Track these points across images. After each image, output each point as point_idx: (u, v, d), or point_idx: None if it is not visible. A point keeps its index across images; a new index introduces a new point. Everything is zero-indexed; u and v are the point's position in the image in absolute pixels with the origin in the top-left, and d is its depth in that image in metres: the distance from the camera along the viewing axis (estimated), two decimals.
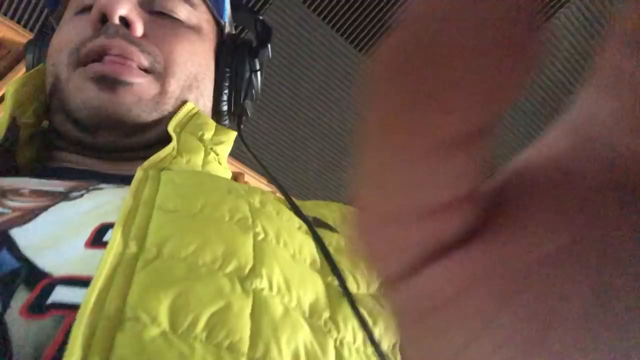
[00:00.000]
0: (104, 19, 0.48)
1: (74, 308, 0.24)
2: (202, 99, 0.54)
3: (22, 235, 0.29)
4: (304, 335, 0.28)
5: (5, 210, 0.32)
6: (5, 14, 1.71)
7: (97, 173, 0.47)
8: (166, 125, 0.48)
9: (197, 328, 0.25)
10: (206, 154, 0.50)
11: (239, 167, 1.85)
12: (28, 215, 0.31)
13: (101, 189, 0.37)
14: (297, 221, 0.38)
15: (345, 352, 0.30)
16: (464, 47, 0.08)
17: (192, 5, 0.55)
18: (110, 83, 0.46)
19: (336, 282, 0.34)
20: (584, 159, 0.10)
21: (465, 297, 0.10)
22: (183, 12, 0.53)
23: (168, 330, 0.24)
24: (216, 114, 0.57)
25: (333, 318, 0.31)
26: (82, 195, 0.35)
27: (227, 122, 0.59)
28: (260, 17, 0.62)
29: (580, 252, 0.10)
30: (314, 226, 0.38)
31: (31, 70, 0.52)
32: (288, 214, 0.38)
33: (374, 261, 0.11)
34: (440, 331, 0.11)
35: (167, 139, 0.47)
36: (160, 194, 0.33)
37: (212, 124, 0.53)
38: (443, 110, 0.09)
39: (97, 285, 0.25)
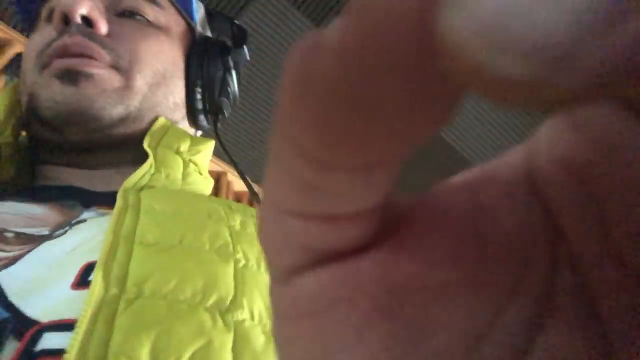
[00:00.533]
0: (67, 19, 0.48)
1: (62, 353, 0.25)
2: (171, 97, 0.54)
3: (6, 280, 0.29)
4: None
5: None
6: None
7: (79, 190, 0.46)
8: (141, 141, 0.48)
9: None
10: (185, 166, 0.51)
11: (222, 166, 1.82)
12: (9, 261, 0.32)
13: (84, 221, 0.37)
14: None
15: None
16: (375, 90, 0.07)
17: (159, 6, 0.55)
18: (73, 76, 0.46)
19: None
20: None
21: (347, 305, 0.10)
22: (150, 13, 0.53)
23: None
24: (191, 113, 0.57)
25: None
26: (65, 232, 0.35)
27: (204, 122, 0.59)
28: (236, 22, 0.63)
29: (453, 294, 0.10)
30: None
31: (5, 88, 0.52)
32: None
33: (268, 251, 0.11)
34: (315, 335, 0.11)
35: (145, 157, 0.47)
36: (140, 225, 0.33)
37: (187, 135, 0.52)
38: (357, 139, 0.08)
39: (79, 332, 0.25)
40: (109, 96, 0.47)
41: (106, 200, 0.42)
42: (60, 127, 0.47)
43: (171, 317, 0.27)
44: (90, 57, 0.47)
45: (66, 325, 0.26)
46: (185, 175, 0.50)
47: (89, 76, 0.46)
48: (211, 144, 0.56)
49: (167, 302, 0.28)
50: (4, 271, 0.30)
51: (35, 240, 0.34)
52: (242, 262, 0.33)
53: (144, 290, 0.28)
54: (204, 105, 0.56)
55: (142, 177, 0.43)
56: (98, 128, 0.47)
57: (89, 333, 0.25)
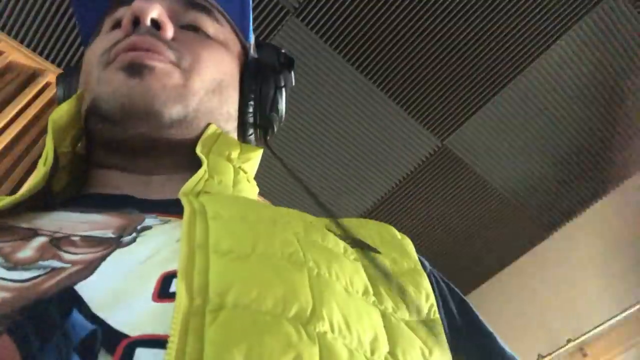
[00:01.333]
0: (137, 22, 0.49)
1: None
2: (225, 106, 0.54)
3: (87, 291, 0.28)
4: None
5: (66, 265, 0.32)
6: (15, 38, 1.72)
7: (133, 199, 0.46)
8: (192, 147, 0.49)
9: None
10: (235, 174, 0.51)
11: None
12: (88, 268, 0.31)
13: (150, 227, 0.37)
14: (342, 245, 0.38)
15: None
16: None
17: (219, 23, 0.57)
18: (137, 68, 0.46)
19: (390, 310, 0.34)
20: None
21: None
22: (210, 28, 0.55)
23: None
24: (241, 126, 0.58)
25: (392, 353, 0.31)
26: (135, 240, 0.35)
27: (252, 136, 0.60)
28: (283, 51, 0.64)
29: None
30: (359, 247, 0.38)
31: (68, 99, 0.51)
32: (332, 239, 0.38)
33: None
34: None
35: (194, 163, 0.48)
36: (212, 233, 0.32)
37: (237, 143, 0.53)
38: None
39: (172, 348, 0.24)
40: (169, 93, 0.47)
41: (163, 207, 0.41)
42: (121, 121, 0.47)
43: (258, 329, 0.26)
44: (155, 52, 0.48)
45: (157, 342, 0.25)
46: (235, 182, 0.50)
47: (152, 69, 0.47)
48: (259, 152, 0.57)
49: (251, 313, 0.27)
50: (84, 282, 0.29)
51: (104, 243, 0.34)
52: (315, 270, 0.32)
53: (227, 301, 0.27)
54: (255, 120, 0.57)
55: (197, 182, 0.43)
56: (158, 126, 0.47)
57: (182, 350, 0.24)
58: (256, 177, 0.59)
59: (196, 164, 0.47)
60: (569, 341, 2.23)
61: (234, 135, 0.57)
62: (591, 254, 2.39)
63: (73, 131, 0.50)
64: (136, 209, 0.41)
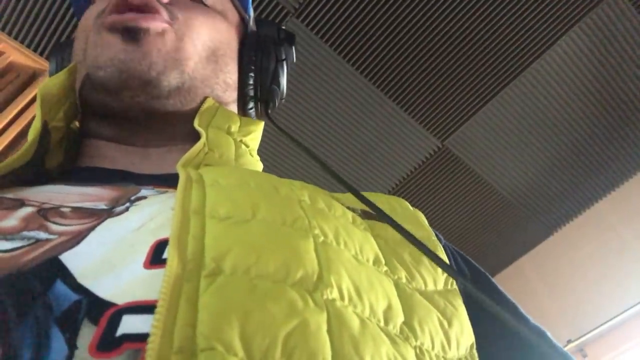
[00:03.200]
0: None
1: (144, 339, 0.22)
2: (222, 75, 0.53)
3: (73, 261, 0.27)
4: (386, 348, 0.26)
5: (52, 237, 0.29)
6: (15, 38, 1.72)
7: (130, 174, 0.45)
8: (191, 120, 0.47)
9: (275, 354, 0.22)
10: (237, 147, 0.49)
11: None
12: (76, 238, 0.29)
13: (145, 197, 0.35)
14: (350, 215, 0.36)
15: None
16: None
17: None
18: (133, 33, 0.45)
19: (404, 280, 0.32)
20: None
21: None
22: None
23: (245, 358, 0.22)
24: (241, 99, 0.56)
25: (408, 324, 0.29)
26: (127, 209, 0.33)
27: (252, 110, 0.58)
28: (282, 27, 0.63)
29: None
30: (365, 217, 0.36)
31: (60, 72, 0.49)
32: (340, 208, 0.37)
33: None
34: None
35: (193, 136, 0.47)
36: (209, 199, 0.30)
37: (237, 116, 0.52)
38: None
39: (162, 313, 0.22)
40: (165, 58, 0.46)
41: (162, 180, 0.40)
42: (118, 90, 0.45)
43: (258, 295, 0.24)
44: (149, 12, 0.46)
45: (147, 307, 0.24)
46: (237, 156, 0.49)
47: (147, 31, 0.45)
48: (261, 125, 0.55)
49: (250, 278, 0.25)
50: (69, 252, 0.27)
51: (95, 214, 0.32)
52: (321, 237, 0.31)
53: (224, 266, 0.25)
54: (256, 92, 0.56)
55: (197, 155, 0.42)
56: (155, 95, 0.46)
57: (172, 314, 0.22)
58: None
59: (195, 138, 0.46)
60: (569, 342, 2.23)
61: (234, 108, 0.55)
62: (592, 255, 2.39)
63: (65, 105, 0.48)
64: (132, 181, 0.39)
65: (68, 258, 0.27)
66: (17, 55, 1.66)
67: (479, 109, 1.99)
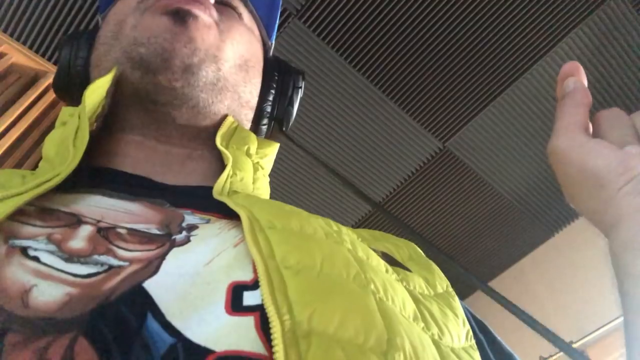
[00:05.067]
0: None
1: None
2: (249, 87, 0.53)
3: (157, 291, 0.27)
4: None
5: (123, 264, 0.30)
6: (17, 39, 1.72)
7: (154, 183, 0.44)
8: (211, 128, 0.48)
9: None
10: (255, 170, 0.50)
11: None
12: (149, 267, 0.29)
13: (196, 227, 0.35)
14: (383, 264, 0.36)
15: None
16: None
17: (250, 13, 0.57)
18: (183, 16, 0.45)
19: (437, 336, 0.33)
20: None
21: None
22: (244, 13, 0.55)
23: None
24: (256, 116, 0.56)
25: None
26: (189, 239, 0.33)
27: (264, 126, 0.58)
28: (293, 66, 0.64)
29: None
30: (389, 263, 0.37)
31: (104, 76, 0.47)
32: (374, 256, 0.36)
33: None
34: None
35: (209, 143, 0.48)
36: (276, 248, 0.30)
37: (254, 136, 0.52)
38: None
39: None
40: (208, 49, 0.46)
41: (193, 199, 0.40)
42: (157, 69, 0.44)
43: (351, 355, 0.26)
44: (201, 3, 0.46)
45: (242, 358, 0.24)
46: (255, 179, 0.49)
47: (196, 17, 0.45)
48: (276, 148, 0.55)
49: (337, 342, 0.26)
50: (151, 281, 0.28)
51: (154, 241, 0.32)
52: (377, 294, 0.31)
53: (313, 326, 0.26)
54: (273, 111, 0.57)
55: (225, 180, 0.42)
56: (191, 83, 0.46)
57: None
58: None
59: (212, 147, 0.47)
60: (570, 343, 2.23)
61: (248, 125, 0.55)
62: (593, 256, 2.38)
63: (98, 109, 0.46)
64: (164, 199, 0.39)
65: (151, 287, 0.27)
66: (19, 56, 1.66)
67: (481, 110, 1.99)
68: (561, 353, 2.24)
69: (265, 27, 0.60)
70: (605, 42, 1.82)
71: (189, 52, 0.44)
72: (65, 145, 0.43)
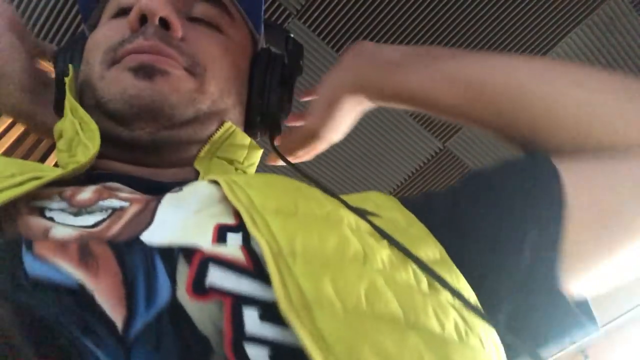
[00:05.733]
0: (144, 19, 0.48)
1: (229, 295, 0.27)
2: (238, 106, 0.54)
3: (152, 239, 0.30)
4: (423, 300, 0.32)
5: (124, 204, 0.34)
6: None
7: (153, 182, 0.46)
8: (204, 143, 0.49)
9: (362, 304, 0.28)
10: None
11: None
12: (146, 210, 0.33)
13: (187, 183, 0.38)
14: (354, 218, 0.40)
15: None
16: None
17: (230, 16, 0.56)
18: (149, 71, 0.45)
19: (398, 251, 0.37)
20: None
21: None
22: (222, 22, 0.54)
23: (343, 310, 0.27)
24: (248, 124, 0.57)
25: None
26: (181, 189, 0.37)
27: (257, 133, 0.59)
28: (291, 36, 0.64)
29: None
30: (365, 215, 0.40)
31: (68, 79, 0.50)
32: (344, 210, 0.39)
33: None
34: None
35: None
36: (255, 198, 0.34)
37: (245, 146, 0.53)
38: None
39: (277, 283, 0.26)
40: (182, 96, 0.46)
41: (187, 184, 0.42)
42: (129, 122, 0.46)
43: (333, 266, 0.29)
44: (167, 57, 0.46)
45: (229, 265, 0.28)
46: None
47: (164, 73, 0.45)
48: (259, 154, 0.57)
49: (320, 256, 0.30)
50: (147, 232, 0.31)
51: (151, 194, 0.36)
52: (351, 225, 0.35)
53: (296, 248, 0.29)
54: (262, 118, 0.57)
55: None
56: (167, 126, 0.47)
57: (281, 278, 0.26)
58: None
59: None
60: (570, 343, 2.23)
61: (241, 120, 0.56)
62: None
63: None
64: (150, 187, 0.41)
65: (146, 239, 0.31)
66: None
67: None
68: (561, 353, 2.25)
69: (251, 20, 0.60)
70: (604, 41, 1.82)
71: (158, 103, 0.45)
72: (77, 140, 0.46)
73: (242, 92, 0.56)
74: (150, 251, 0.28)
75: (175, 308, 0.26)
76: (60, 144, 0.49)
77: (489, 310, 0.40)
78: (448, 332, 0.31)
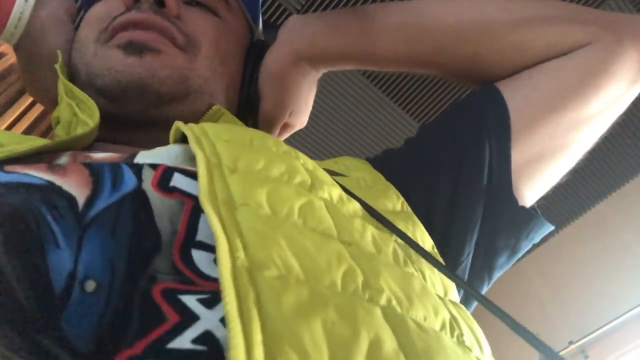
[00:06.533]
0: None
1: (189, 196, 0.28)
2: (231, 89, 0.54)
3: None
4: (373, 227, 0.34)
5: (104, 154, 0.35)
6: None
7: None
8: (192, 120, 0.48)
9: (293, 215, 0.28)
10: None
11: None
12: (125, 160, 0.34)
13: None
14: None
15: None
16: None
17: (228, 3, 0.55)
18: (138, 48, 0.45)
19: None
20: None
21: None
22: (218, 5, 0.54)
23: (272, 214, 0.27)
24: (239, 110, 0.56)
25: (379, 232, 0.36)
26: (154, 147, 0.38)
27: (248, 121, 0.58)
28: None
29: None
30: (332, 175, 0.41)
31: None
32: (306, 158, 0.41)
33: None
34: None
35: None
36: (211, 130, 0.35)
37: (240, 124, 0.52)
38: None
39: (204, 180, 0.27)
40: (171, 73, 0.46)
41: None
42: (117, 97, 0.45)
43: (272, 184, 0.30)
44: (159, 33, 0.46)
45: (191, 174, 0.30)
46: None
47: (154, 51, 0.45)
48: None
49: (262, 176, 0.31)
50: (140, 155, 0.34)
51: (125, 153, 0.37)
52: (306, 165, 0.36)
53: (239, 166, 0.31)
54: (246, 104, 0.56)
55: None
56: (156, 103, 0.46)
57: (210, 183, 0.27)
58: None
59: None
60: (570, 343, 2.23)
61: (233, 110, 0.56)
62: (593, 256, 2.39)
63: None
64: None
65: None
66: None
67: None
68: (562, 353, 2.25)
69: (248, 11, 0.59)
70: None
71: (146, 79, 0.44)
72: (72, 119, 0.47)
73: (235, 79, 0.55)
74: (117, 163, 0.30)
75: (139, 194, 0.27)
76: (58, 130, 0.48)
77: (461, 242, 0.46)
78: (384, 255, 0.31)
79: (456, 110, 0.55)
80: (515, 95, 0.51)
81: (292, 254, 0.25)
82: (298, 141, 2.03)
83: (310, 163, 0.38)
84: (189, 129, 0.34)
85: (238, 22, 0.57)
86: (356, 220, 0.33)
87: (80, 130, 0.43)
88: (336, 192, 0.35)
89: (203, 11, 0.52)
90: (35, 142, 0.36)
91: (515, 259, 0.51)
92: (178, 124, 0.37)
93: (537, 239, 0.51)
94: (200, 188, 0.26)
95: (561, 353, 2.24)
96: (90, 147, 0.45)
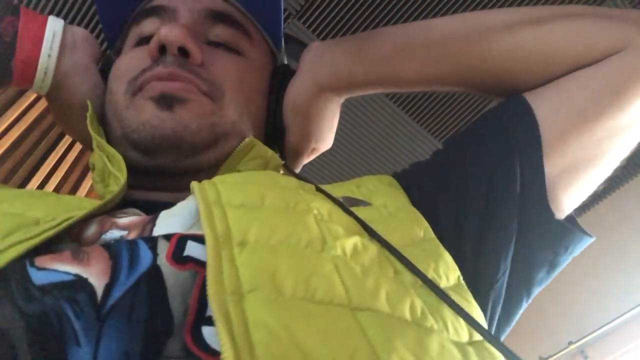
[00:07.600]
0: (163, 49, 0.50)
1: (202, 266, 0.29)
2: (257, 126, 0.55)
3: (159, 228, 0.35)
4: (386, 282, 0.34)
5: (124, 232, 0.36)
6: None
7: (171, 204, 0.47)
8: (225, 161, 0.50)
9: (302, 291, 0.29)
10: None
11: None
12: (144, 233, 0.35)
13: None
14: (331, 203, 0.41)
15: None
16: None
17: (249, 37, 0.56)
18: (169, 101, 0.47)
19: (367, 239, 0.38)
20: None
21: None
22: (241, 44, 0.55)
23: (280, 295, 0.28)
24: (267, 137, 0.58)
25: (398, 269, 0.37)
26: (175, 204, 0.39)
27: (276, 147, 0.59)
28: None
29: None
30: (347, 205, 0.42)
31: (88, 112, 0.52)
32: (321, 201, 0.41)
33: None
34: None
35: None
36: (223, 193, 0.36)
37: (269, 153, 0.53)
38: None
39: (211, 269, 0.28)
40: (201, 123, 0.47)
41: None
42: (152, 151, 0.47)
43: (279, 255, 0.30)
44: (185, 81, 0.48)
45: (203, 240, 0.31)
46: None
47: (183, 101, 0.47)
48: (279, 166, 0.57)
49: (270, 245, 0.31)
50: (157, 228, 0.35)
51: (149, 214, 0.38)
52: (319, 215, 0.37)
53: (249, 238, 0.31)
54: (272, 132, 0.57)
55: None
56: (190, 154, 0.48)
57: (219, 271, 0.28)
58: None
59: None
60: (570, 343, 2.23)
61: (261, 139, 0.56)
62: (592, 257, 2.39)
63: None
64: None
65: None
66: None
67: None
68: (561, 353, 2.25)
69: (270, 37, 0.60)
70: None
71: (179, 132, 0.46)
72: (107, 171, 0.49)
73: (261, 109, 0.56)
74: (134, 241, 0.31)
75: (154, 271, 0.28)
76: (95, 175, 0.51)
77: (495, 261, 0.45)
78: (399, 312, 0.31)
79: (484, 122, 0.54)
80: (545, 105, 0.49)
81: (302, 345, 0.25)
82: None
83: (326, 209, 0.38)
84: (201, 199, 0.35)
85: (261, 53, 0.58)
86: (369, 280, 0.32)
87: (113, 183, 0.47)
88: (350, 244, 0.35)
89: (225, 52, 0.54)
90: (71, 213, 0.37)
91: (555, 274, 0.49)
92: (193, 188, 0.38)
93: (577, 252, 0.49)
94: (209, 278, 0.27)
95: (561, 353, 2.24)
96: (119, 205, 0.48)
